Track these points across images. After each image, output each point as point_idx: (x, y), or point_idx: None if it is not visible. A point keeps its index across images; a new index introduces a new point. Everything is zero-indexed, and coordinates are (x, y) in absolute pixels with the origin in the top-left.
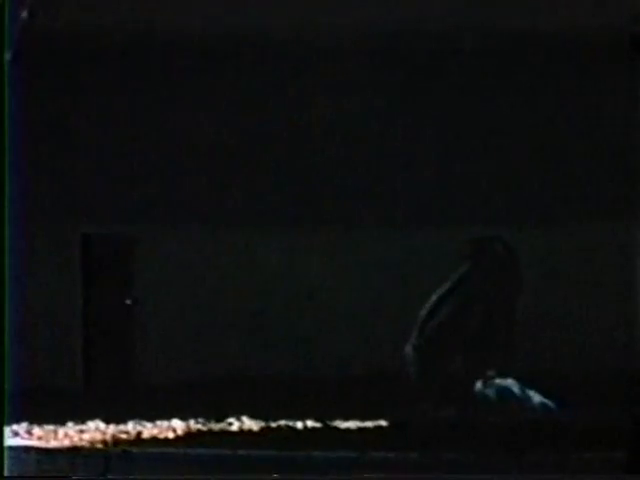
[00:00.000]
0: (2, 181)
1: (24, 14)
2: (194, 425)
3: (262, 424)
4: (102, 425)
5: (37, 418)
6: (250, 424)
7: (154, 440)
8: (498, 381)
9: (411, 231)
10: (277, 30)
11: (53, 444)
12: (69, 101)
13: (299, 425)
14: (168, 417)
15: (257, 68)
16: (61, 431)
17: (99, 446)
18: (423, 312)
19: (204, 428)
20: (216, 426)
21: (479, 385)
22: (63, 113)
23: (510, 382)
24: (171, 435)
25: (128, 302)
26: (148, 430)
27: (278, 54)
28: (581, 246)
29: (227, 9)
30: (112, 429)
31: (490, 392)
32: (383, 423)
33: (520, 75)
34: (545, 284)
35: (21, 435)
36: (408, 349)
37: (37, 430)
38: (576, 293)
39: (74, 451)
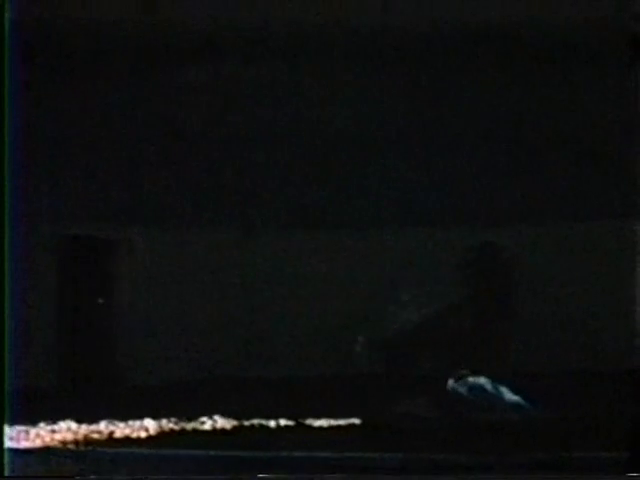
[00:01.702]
0: (2, 181)
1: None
2: (166, 424)
3: (235, 423)
4: (74, 425)
5: (9, 419)
6: (223, 423)
7: (126, 440)
8: (471, 379)
9: (393, 233)
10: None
11: (24, 445)
12: (42, 98)
13: (272, 424)
14: (140, 417)
15: (237, 64)
16: (33, 431)
17: (71, 446)
18: (397, 311)
19: (176, 427)
20: (188, 425)
21: (450, 383)
22: (38, 110)
23: (483, 380)
24: (143, 435)
25: (100, 301)
26: (120, 430)
27: (263, 51)
28: (570, 247)
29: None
30: (84, 429)
31: (462, 390)
32: (356, 422)
33: (511, 74)
34: (529, 285)
35: None
36: (380, 348)
37: (8, 431)
38: (561, 294)
39: (46, 451)
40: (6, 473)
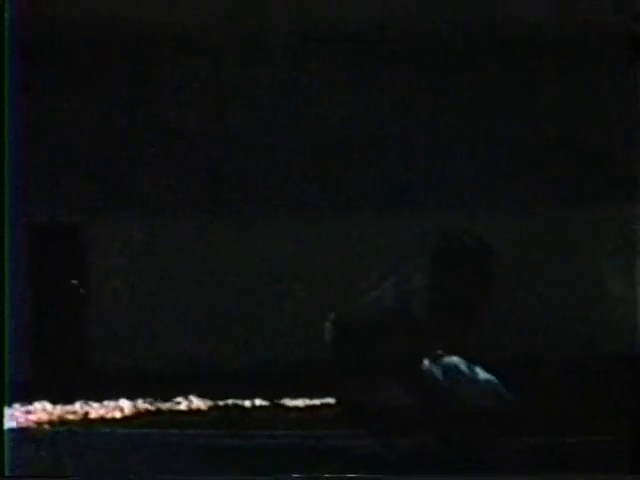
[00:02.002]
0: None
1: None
2: (142, 405)
3: (210, 403)
4: (49, 406)
5: None
6: (198, 403)
7: (101, 420)
8: (445, 359)
9: (371, 219)
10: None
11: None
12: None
13: (247, 404)
14: (115, 397)
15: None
16: (7, 412)
17: (46, 427)
18: (373, 294)
19: (152, 408)
20: (164, 406)
21: (426, 363)
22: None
23: (457, 360)
24: (118, 415)
25: (74, 283)
26: (95, 410)
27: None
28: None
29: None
30: (59, 410)
31: (437, 370)
32: (331, 402)
33: (509, 72)
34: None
35: None
36: (357, 330)
37: None
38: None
39: (21, 432)
40: (6, 473)
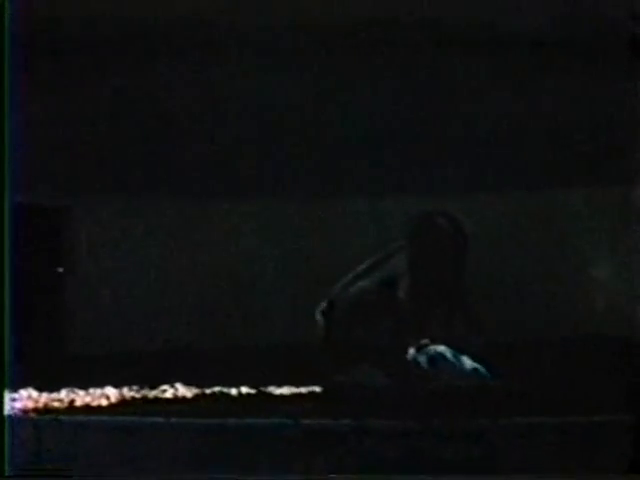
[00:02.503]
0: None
1: None
2: (127, 392)
3: (196, 391)
4: (34, 393)
5: None
6: (184, 391)
7: (87, 408)
8: (431, 348)
9: (345, 201)
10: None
11: None
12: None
13: (233, 392)
14: (101, 385)
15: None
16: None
17: (31, 414)
18: (353, 280)
19: (138, 395)
20: (150, 393)
21: (411, 352)
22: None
23: (443, 349)
24: (104, 403)
25: (60, 270)
26: (81, 398)
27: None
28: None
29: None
30: (45, 397)
31: (422, 359)
32: (317, 390)
33: (508, 70)
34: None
35: None
36: (339, 316)
37: None
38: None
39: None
40: (6, 473)
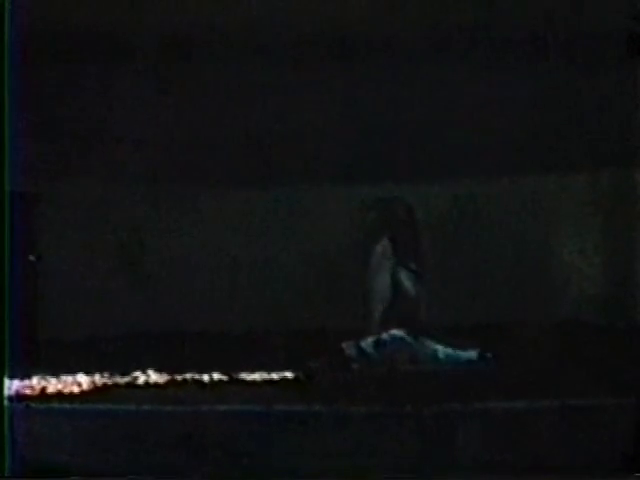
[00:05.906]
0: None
1: None
2: (99, 380)
3: (168, 377)
4: (6, 381)
5: None
6: (156, 378)
7: (59, 395)
8: (390, 332)
9: (305, 190)
10: None
11: None
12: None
13: (205, 378)
14: (73, 372)
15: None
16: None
17: (3, 402)
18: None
19: (109, 382)
20: (122, 380)
21: (371, 338)
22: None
23: (401, 333)
24: (76, 390)
25: (32, 258)
26: (53, 385)
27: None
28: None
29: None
30: (16, 384)
31: (383, 344)
32: (289, 376)
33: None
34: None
35: None
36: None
37: None
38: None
39: None
40: (6, 473)
